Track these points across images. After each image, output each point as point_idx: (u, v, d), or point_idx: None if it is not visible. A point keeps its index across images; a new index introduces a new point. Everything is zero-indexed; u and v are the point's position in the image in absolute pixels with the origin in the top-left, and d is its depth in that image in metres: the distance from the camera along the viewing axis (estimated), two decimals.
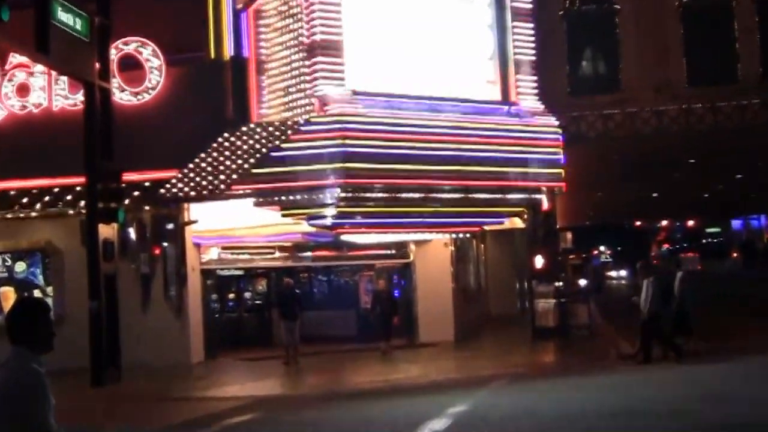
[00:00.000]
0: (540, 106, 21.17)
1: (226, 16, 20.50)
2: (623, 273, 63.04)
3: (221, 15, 20.49)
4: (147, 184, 20.04)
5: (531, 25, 21.26)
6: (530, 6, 21.29)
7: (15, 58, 21.06)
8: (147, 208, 20.53)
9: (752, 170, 31.32)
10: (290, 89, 19.76)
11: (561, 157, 21.09)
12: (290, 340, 19.74)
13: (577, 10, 25.39)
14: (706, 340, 18.82)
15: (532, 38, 21.23)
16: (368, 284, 24.25)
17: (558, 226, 28.81)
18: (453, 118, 19.91)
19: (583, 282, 32.77)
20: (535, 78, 21.15)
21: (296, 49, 19.59)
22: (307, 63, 19.22)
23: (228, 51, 20.51)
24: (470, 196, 20.14)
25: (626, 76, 24.99)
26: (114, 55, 19.80)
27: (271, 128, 19.42)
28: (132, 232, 20.76)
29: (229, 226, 21.71)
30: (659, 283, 17.84)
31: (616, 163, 28.67)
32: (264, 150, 19.08)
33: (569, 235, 43.25)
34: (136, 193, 19.94)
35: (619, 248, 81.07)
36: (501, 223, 22.19)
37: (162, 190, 19.46)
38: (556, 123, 21.18)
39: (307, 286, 25.35)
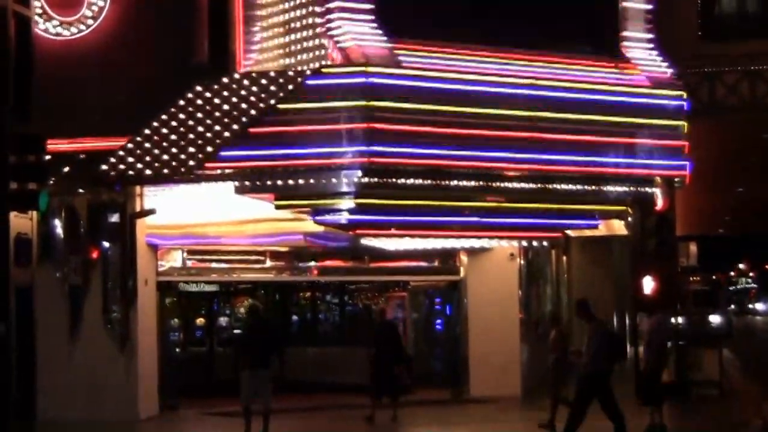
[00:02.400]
0: (655, 58, 21.31)
1: None
2: None
3: None
4: (82, 156, 20.02)
5: None
6: None
7: None
8: (81, 191, 20.56)
9: None
10: (293, 24, 19.73)
11: (685, 133, 21.12)
12: (261, 398, 18.06)
13: None
14: None
15: None
16: (398, 311, 24.23)
17: (678, 235, 28.52)
18: (530, 71, 20.10)
19: (714, 318, 32.53)
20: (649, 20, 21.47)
21: None
22: None
23: None
24: (549, 186, 20.20)
25: None
26: None
27: (264, 81, 19.34)
28: (58, 226, 20.77)
29: (200, 221, 21.77)
30: None
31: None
32: (253, 112, 19.07)
33: (693, 248, 42.93)
34: (65, 170, 19.94)
35: None
36: (594, 227, 22.13)
37: (104, 167, 19.42)
38: (680, 83, 21.21)
39: (309, 312, 25.39)
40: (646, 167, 21.01)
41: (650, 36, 21.46)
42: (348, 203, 19.14)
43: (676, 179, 21.65)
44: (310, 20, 19.55)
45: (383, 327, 21.25)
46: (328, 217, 19.50)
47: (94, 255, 20.92)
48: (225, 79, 19.55)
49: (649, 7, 21.70)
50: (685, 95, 21.32)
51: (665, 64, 21.57)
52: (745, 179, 34.36)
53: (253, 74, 19.71)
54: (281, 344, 18.58)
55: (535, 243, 23.13)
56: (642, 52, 21.37)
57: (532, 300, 24.50)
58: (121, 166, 19.40)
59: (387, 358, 20.33)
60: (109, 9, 20.75)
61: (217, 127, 19.15)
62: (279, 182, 19.09)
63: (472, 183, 19.78)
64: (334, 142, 18.86)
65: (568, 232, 23.24)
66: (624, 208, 21.69)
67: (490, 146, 19.69)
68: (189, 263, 22.68)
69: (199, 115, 19.30)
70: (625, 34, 21.43)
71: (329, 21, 19.21)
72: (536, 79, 20.13)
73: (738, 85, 24.61)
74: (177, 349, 23.48)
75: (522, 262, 23.34)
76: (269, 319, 21.70)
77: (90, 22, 20.79)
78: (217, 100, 19.35)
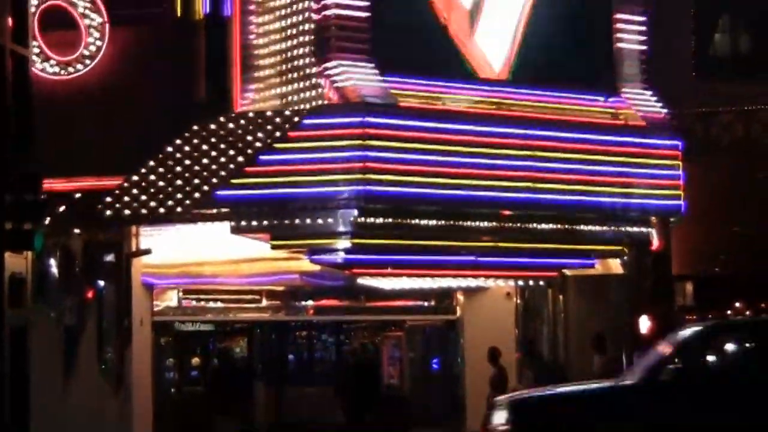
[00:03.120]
0: (650, 98, 21.35)
1: None
2: None
3: None
4: (78, 196, 19.99)
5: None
6: None
7: None
8: (77, 231, 20.48)
9: None
10: (290, 64, 19.77)
11: (680, 173, 21.21)
12: None
13: None
14: None
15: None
16: (395, 350, 24.17)
17: (674, 274, 28.45)
18: (527, 109, 20.22)
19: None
20: (644, 61, 21.56)
21: (301, 5, 19.68)
22: (315, 25, 19.35)
23: (202, 7, 20.59)
24: (542, 227, 20.25)
25: None
26: (35, 6, 19.79)
27: (260, 120, 19.42)
28: (53, 266, 20.67)
29: (196, 261, 21.75)
30: None
31: (762, 184, 28.32)
32: (249, 152, 19.08)
33: (689, 287, 42.69)
34: (61, 209, 19.82)
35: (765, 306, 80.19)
36: (590, 266, 22.08)
37: (100, 206, 19.39)
38: (675, 122, 21.32)
39: (305, 351, 25.30)
40: (642, 207, 21.03)
41: (645, 76, 21.51)
42: (344, 243, 19.09)
43: (671, 218, 21.66)
44: (307, 60, 19.57)
45: (358, 369, 21.21)
46: (324, 257, 19.46)
47: (90, 295, 20.84)
48: (222, 119, 19.57)
49: (644, 48, 21.77)
50: (681, 134, 21.37)
51: (660, 104, 21.60)
52: (741, 218, 34.28)
53: (250, 114, 19.75)
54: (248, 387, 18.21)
55: (531, 282, 23.05)
56: (637, 92, 21.41)
57: (529, 339, 24.40)
58: (117, 206, 19.35)
59: (359, 403, 20.23)
60: (107, 49, 20.77)
61: (214, 167, 19.15)
62: (275, 222, 19.01)
63: (470, 223, 19.76)
64: (331, 181, 18.84)
65: (565, 271, 23.19)
66: (620, 247, 21.66)
67: (488, 187, 19.67)
68: (185, 303, 22.62)
69: (196, 154, 19.31)
70: (620, 74, 21.43)
71: (326, 60, 19.20)
72: (531, 119, 20.17)
73: (732, 125, 24.59)
74: (172, 389, 23.31)
75: (518, 301, 23.27)
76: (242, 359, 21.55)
77: (87, 61, 20.78)
78: (213, 140, 19.37)
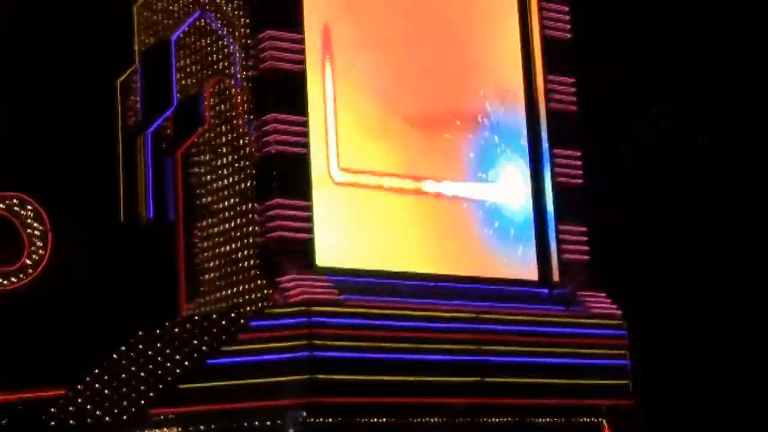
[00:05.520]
0: (594, 289, 21.58)
1: (144, 162, 20.72)
2: None
3: (137, 163, 20.70)
4: (20, 408, 19.54)
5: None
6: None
7: None
8: None
9: None
10: (237, 265, 19.82)
11: (627, 362, 21.22)
12: None
13: None
14: None
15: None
16: None
17: None
18: (469, 308, 20.14)
19: None
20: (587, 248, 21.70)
21: (245, 207, 19.82)
22: (259, 228, 19.46)
23: (146, 210, 20.67)
24: (493, 420, 20.09)
25: None
26: None
27: (206, 323, 19.26)
28: None
29: None
30: None
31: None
32: (197, 355, 18.86)
33: None
34: (3, 422, 19.47)
35: None
36: None
37: (44, 417, 18.92)
38: (620, 312, 21.40)
39: None
40: (591, 396, 20.92)
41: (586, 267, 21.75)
42: None
43: (621, 406, 21.43)
44: (254, 261, 19.58)
45: None
46: None
47: None
48: (167, 323, 19.42)
49: (585, 239, 22.00)
50: (626, 324, 21.45)
51: (603, 293, 21.75)
52: None
53: (196, 317, 19.59)
54: None
55: None
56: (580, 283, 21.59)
57: None
58: (62, 416, 18.92)
59: None
60: (49, 256, 20.68)
61: (160, 372, 18.84)
62: (224, 426, 18.68)
63: (419, 419, 19.50)
64: (279, 383, 18.57)
65: None
66: None
67: (437, 383, 19.52)
68: None
69: (142, 360, 19.01)
70: (566, 263, 21.63)
71: (270, 263, 19.24)
72: (480, 313, 20.18)
73: None
74: None
75: None
76: None
77: (30, 270, 20.63)
78: (159, 345, 19.12)
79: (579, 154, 22.35)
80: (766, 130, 26.75)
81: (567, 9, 22.87)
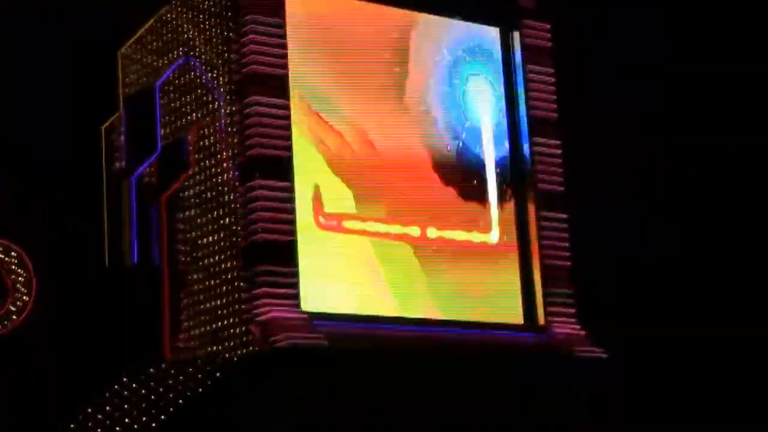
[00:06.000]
0: (581, 332, 21.51)
1: (128, 208, 20.72)
2: None
3: (122, 208, 20.71)
4: None
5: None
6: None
7: None
8: None
9: None
10: (220, 311, 19.74)
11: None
12: None
13: None
14: None
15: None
16: None
17: None
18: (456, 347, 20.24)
19: None
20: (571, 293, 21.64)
21: (229, 253, 19.79)
22: (243, 273, 19.40)
23: (131, 255, 20.63)
24: None
25: None
26: None
27: (191, 369, 19.28)
28: None
29: None
30: None
31: None
32: (182, 401, 18.75)
33: None
34: None
35: None
36: None
37: None
38: (605, 356, 21.37)
39: None
40: None
41: (572, 311, 21.68)
42: None
43: None
44: (237, 306, 19.49)
45: None
46: None
47: None
48: (152, 370, 19.46)
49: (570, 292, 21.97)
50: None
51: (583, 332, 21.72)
52: None
53: (182, 362, 19.58)
54: None
55: None
56: (569, 326, 21.54)
57: None
58: None
59: None
60: (33, 304, 20.57)
61: (145, 419, 18.68)
62: None
63: None
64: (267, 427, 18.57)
65: None
66: None
67: None
68: None
69: (126, 406, 18.90)
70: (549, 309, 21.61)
71: (254, 307, 19.15)
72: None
73: None
74: None
75: None
76: None
77: (14, 317, 20.55)
78: (144, 391, 19.07)
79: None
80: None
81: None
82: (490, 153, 21.98)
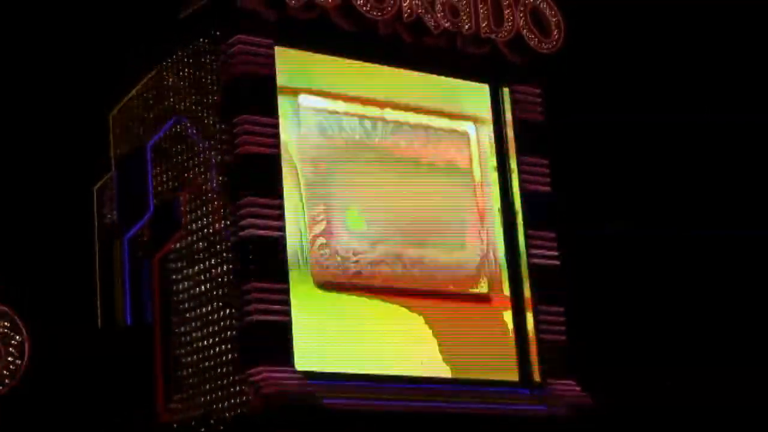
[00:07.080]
0: (576, 388, 21.43)
1: (121, 269, 20.70)
2: None
3: (114, 270, 20.69)
4: None
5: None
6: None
7: None
8: None
9: None
10: (214, 371, 19.63)
11: None
12: None
13: None
14: None
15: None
16: None
17: None
18: (454, 407, 20.08)
19: None
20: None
21: (223, 312, 19.69)
22: (237, 335, 19.26)
23: (124, 315, 20.64)
24: None
25: None
26: None
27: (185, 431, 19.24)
28: None
29: None
30: None
31: None
32: None
33: None
34: None
35: None
36: None
37: None
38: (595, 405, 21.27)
39: None
40: None
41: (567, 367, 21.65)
42: None
43: None
44: (231, 367, 19.38)
45: None
46: None
47: None
48: None
49: (563, 338, 21.98)
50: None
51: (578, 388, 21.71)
52: None
53: (176, 424, 19.55)
54: None
55: None
56: (566, 383, 21.50)
57: None
58: None
59: None
60: (27, 367, 20.48)
61: None
62: None
63: None
64: None
65: None
66: None
67: None
68: None
69: None
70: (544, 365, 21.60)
71: (249, 369, 19.01)
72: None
73: None
74: None
75: None
76: None
77: (6, 381, 20.43)
78: None
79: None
80: None
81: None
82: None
